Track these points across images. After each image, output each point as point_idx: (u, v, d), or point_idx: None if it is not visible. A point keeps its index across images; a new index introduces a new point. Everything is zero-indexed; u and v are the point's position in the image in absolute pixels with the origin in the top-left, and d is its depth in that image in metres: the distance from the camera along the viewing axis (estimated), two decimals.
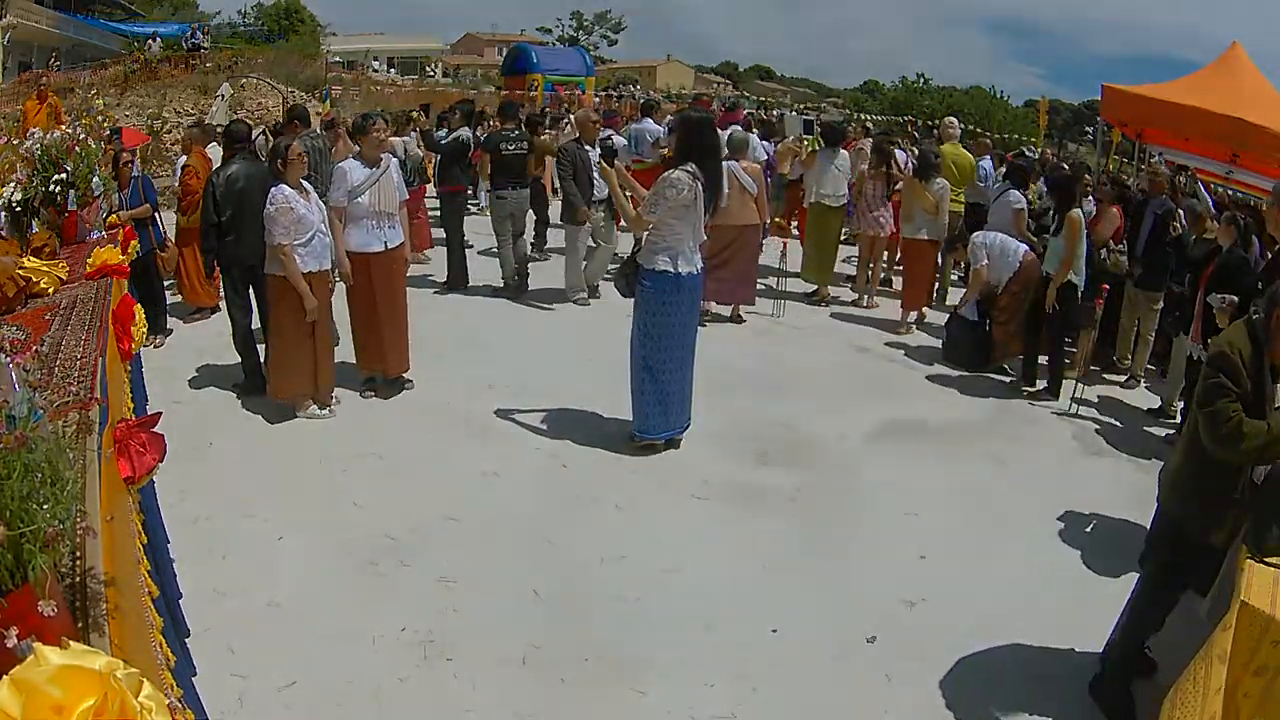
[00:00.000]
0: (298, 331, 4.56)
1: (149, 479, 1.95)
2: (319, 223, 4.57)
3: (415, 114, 9.83)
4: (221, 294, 6.67)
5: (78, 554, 1.41)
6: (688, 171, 4.10)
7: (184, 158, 6.61)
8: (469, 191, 8.10)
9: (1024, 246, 6.20)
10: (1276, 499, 2.28)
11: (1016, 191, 6.61)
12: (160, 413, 2.11)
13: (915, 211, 6.92)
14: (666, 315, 4.25)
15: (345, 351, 5.21)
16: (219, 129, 6.89)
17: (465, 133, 7.70)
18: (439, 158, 7.51)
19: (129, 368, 2.87)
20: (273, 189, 4.41)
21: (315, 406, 4.78)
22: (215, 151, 7.25)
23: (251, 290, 5.06)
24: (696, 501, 4.05)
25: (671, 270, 4.17)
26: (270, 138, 7.50)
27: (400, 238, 4.99)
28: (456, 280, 7.52)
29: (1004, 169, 7.88)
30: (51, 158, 3.94)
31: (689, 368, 4.47)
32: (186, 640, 2.51)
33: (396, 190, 4.96)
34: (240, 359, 5.07)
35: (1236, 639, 1.98)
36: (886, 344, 6.73)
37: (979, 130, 17.06)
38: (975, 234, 6.41)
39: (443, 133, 7.85)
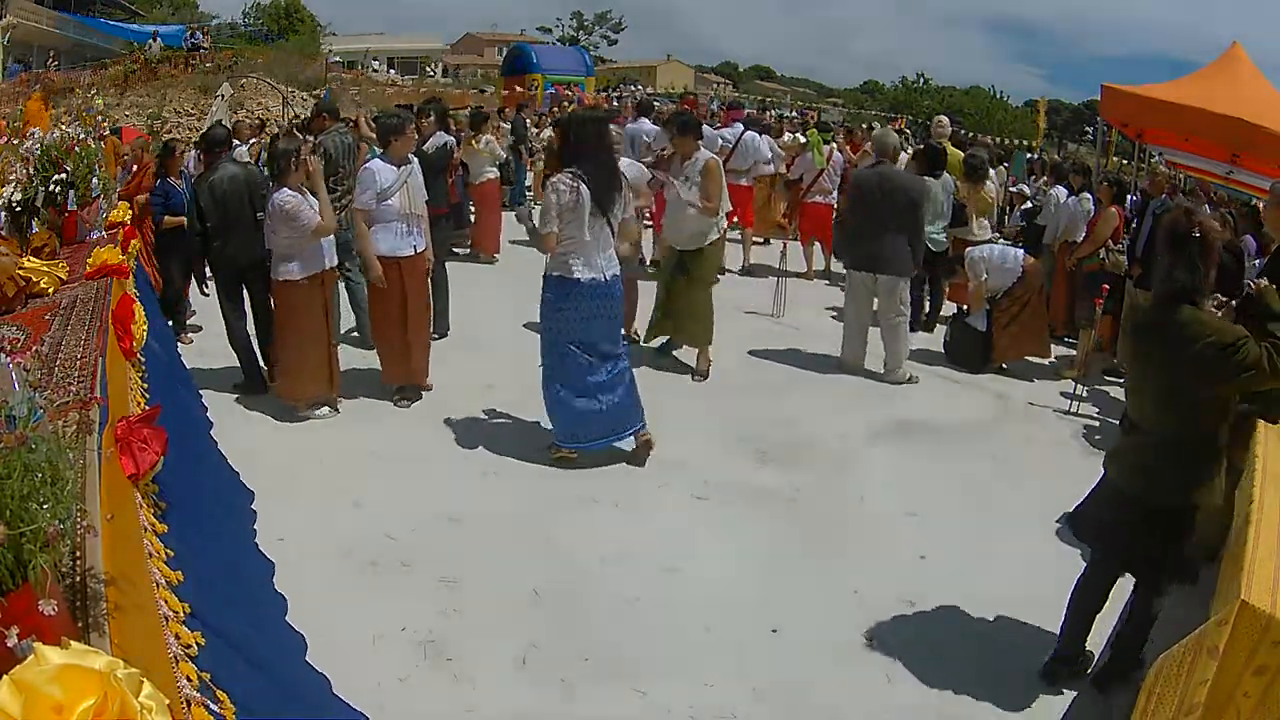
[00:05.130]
0: (308, 335, 4.56)
1: (157, 468, 1.94)
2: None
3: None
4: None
5: (78, 553, 1.41)
6: (570, 173, 4.02)
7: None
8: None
9: (1022, 252, 6.19)
10: None
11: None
12: (160, 406, 2.11)
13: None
14: (561, 322, 4.14)
15: (348, 356, 5.20)
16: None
17: (448, 139, 6.79)
18: None
19: (140, 361, 2.87)
20: (274, 195, 4.40)
21: (325, 407, 4.79)
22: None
23: (245, 291, 5.04)
24: (696, 501, 4.05)
25: (569, 276, 4.08)
26: (299, 134, 6.48)
27: (425, 241, 4.90)
28: (442, 324, 6.04)
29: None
30: (51, 158, 3.95)
31: (616, 375, 4.25)
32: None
33: (420, 192, 4.85)
34: (238, 360, 5.07)
35: (1236, 638, 1.98)
36: None
37: (976, 135, 17.07)
38: (971, 249, 6.39)
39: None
